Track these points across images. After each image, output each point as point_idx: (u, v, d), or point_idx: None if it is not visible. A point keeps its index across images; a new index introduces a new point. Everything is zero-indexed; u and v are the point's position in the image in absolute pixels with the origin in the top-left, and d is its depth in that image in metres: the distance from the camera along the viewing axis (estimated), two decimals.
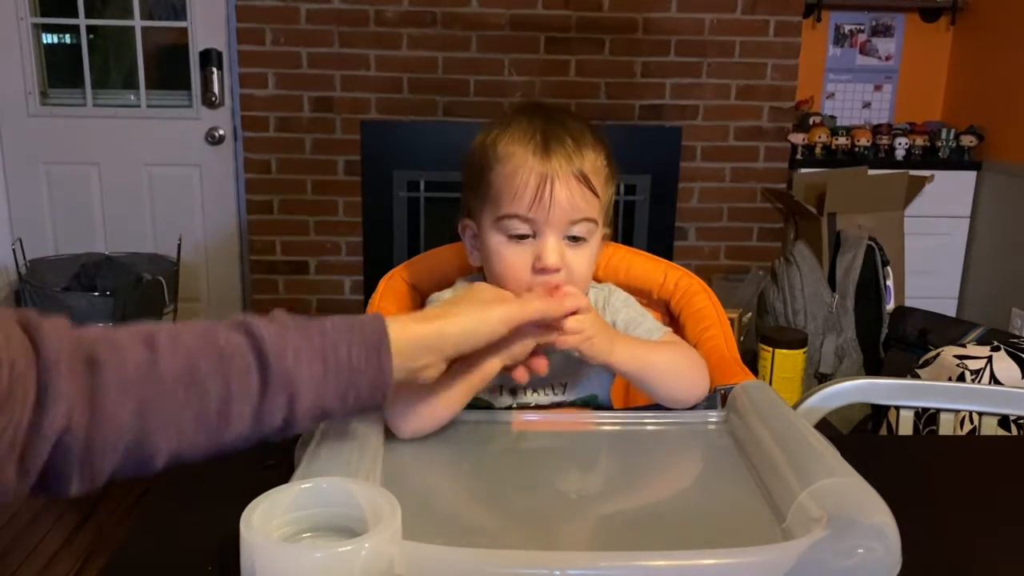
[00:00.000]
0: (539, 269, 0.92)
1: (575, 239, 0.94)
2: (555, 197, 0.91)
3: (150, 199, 3.48)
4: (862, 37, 3.87)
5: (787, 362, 1.82)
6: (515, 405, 1.00)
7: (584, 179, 0.92)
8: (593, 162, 0.94)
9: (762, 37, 3.34)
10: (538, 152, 0.92)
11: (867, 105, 3.93)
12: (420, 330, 0.75)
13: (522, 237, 0.93)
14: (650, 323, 1.04)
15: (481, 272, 1.03)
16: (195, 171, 3.46)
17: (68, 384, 0.58)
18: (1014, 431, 1.39)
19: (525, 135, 0.93)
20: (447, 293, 1.03)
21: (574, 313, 0.86)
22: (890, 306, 2.75)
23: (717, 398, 0.99)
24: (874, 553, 0.63)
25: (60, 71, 3.44)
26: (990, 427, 1.28)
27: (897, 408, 1.27)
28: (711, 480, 0.85)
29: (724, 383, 1.00)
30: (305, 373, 0.66)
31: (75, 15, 3.31)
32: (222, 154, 3.45)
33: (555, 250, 0.92)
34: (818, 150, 3.56)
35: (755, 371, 1.66)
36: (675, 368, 0.97)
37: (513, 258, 0.94)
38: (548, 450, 0.91)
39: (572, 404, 1.02)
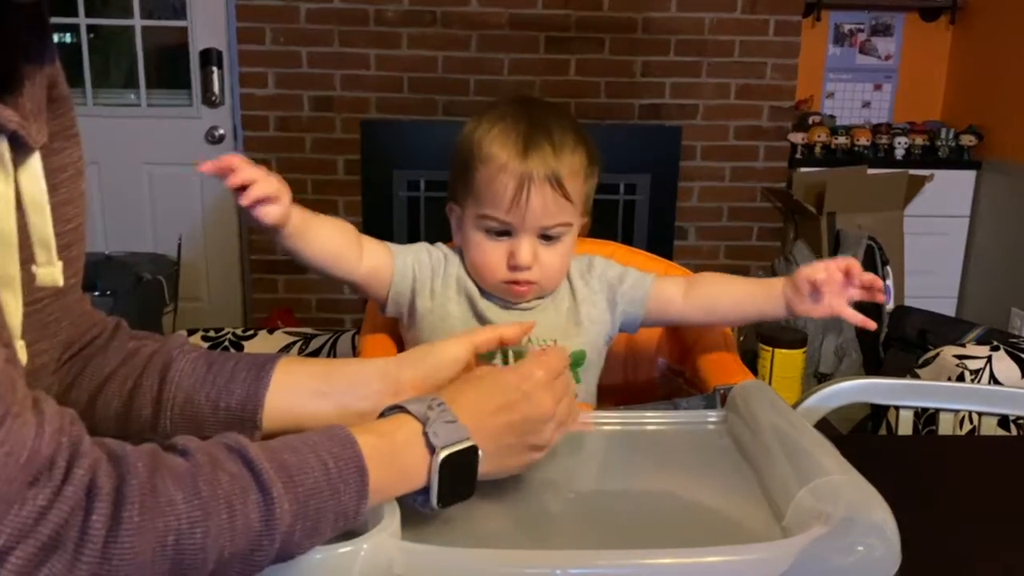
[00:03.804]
0: (512, 266, 1.01)
1: (549, 238, 1.01)
2: (530, 204, 0.98)
3: (150, 199, 3.48)
4: (862, 36, 3.87)
5: (787, 362, 1.82)
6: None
7: (559, 186, 0.98)
8: (571, 165, 1.00)
9: (762, 36, 3.34)
10: (517, 157, 0.98)
11: (867, 104, 3.93)
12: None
13: (500, 234, 1.01)
14: (635, 273, 1.10)
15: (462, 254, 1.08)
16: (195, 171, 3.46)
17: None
18: (1013, 431, 1.39)
19: (508, 138, 0.99)
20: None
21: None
22: (890, 306, 2.75)
23: (717, 398, 0.99)
24: (873, 551, 0.63)
25: None
26: (989, 427, 1.28)
27: (897, 408, 1.27)
28: (711, 479, 0.85)
29: (724, 383, 1.00)
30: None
31: (75, 15, 3.30)
32: (222, 153, 3.43)
33: (528, 250, 1.00)
34: (818, 149, 3.56)
35: (755, 371, 1.66)
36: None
37: (490, 252, 1.02)
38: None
39: None
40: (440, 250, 1.09)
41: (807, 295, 1.01)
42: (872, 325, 0.98)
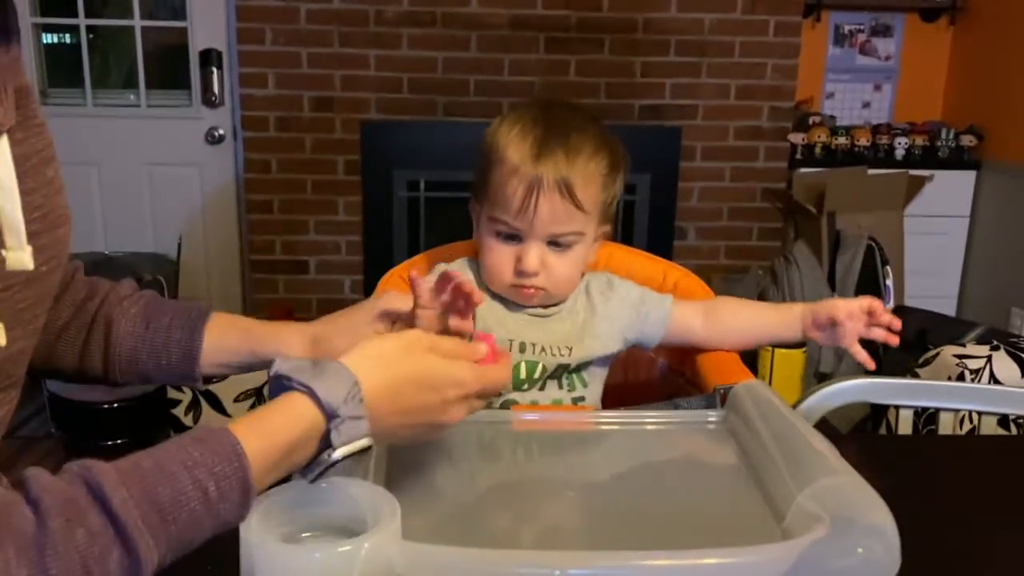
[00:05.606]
0: (518, 271, 1.01)
1: (559, 245, 1.01)
2: (538, 211, 0.97)
3: (150, 199, 3.48)
4: (862, 37, 3.87)
5: (787, 362, 1.82)
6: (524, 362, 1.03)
7: (569, 194, 0.97)
8: (585, 172, 0.99)
9: (762, 37, 3.34)
10: (528, 162, 0.97)
11: (867, 105, 3.93)
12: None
13: (509, 237, 1.01)
14: (654, 295, 1.11)
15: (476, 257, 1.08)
16: (195, 171, 3.46)
17: None
18: (1013, 430, 1.39)
19: (524, 140, 0.98)
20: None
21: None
22: (890, 306, 2.75)
23: (717, 398, 0.99)
24: (873, 552, 0.63)
25: (60, 71, 3.43)
26: (989, 426, 1.28)
27: (896, 407, 1.27)
28: (711, 479, 0.85)
29: (724, 383, 1.00)
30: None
31: (75, 15, 3.31)
32: (222, 154, 3.45)
33: (535, 257, 1.00)
34: (818, 150, 3.56)
35: (755, 371, 1.66)
36: None
37: (499, 256, 1.02)
38: (548, 450, 0.91)
39: (576, 369, 1.06)
40: (439, 269, 1.06)
41: (826, 327, 1.03)
42: (872, 365, 1.00)
